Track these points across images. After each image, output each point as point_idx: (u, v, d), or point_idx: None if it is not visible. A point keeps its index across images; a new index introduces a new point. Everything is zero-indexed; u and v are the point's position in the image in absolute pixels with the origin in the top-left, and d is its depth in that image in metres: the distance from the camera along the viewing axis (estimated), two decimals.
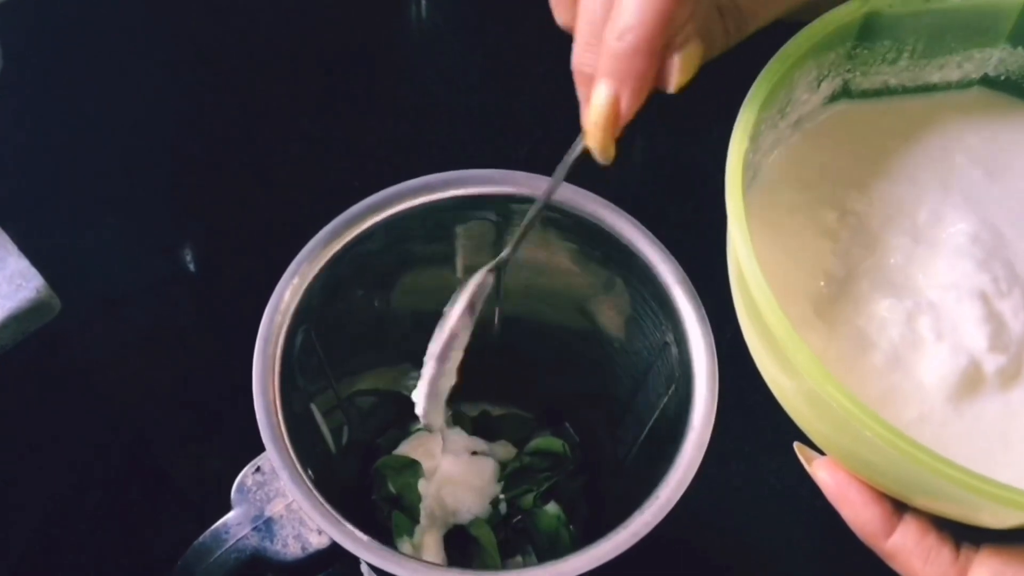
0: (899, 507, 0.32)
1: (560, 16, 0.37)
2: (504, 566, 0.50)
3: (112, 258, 0.66)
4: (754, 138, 0.33)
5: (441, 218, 0.45)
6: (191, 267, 0.68)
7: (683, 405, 0.41)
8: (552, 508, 0.52)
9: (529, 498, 0.51)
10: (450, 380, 0.41)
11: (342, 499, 0.38)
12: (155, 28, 0.75)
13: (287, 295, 0.41)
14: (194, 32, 0.76)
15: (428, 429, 0.43)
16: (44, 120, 0.70)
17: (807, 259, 0.35)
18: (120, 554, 0.57)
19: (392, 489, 0.51)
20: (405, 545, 0.50)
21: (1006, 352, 0.32)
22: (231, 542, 0.38)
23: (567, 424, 0.55)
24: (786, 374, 0.31)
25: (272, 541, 0.38)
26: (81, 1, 0.75)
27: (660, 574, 0.57)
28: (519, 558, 0.51)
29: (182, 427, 0.61)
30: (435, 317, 0.52)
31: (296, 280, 0.42)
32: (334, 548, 0.38)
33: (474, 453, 0.52)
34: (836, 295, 0.34)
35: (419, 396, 0.41)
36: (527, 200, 0.45)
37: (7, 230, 0.53)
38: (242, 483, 0.39)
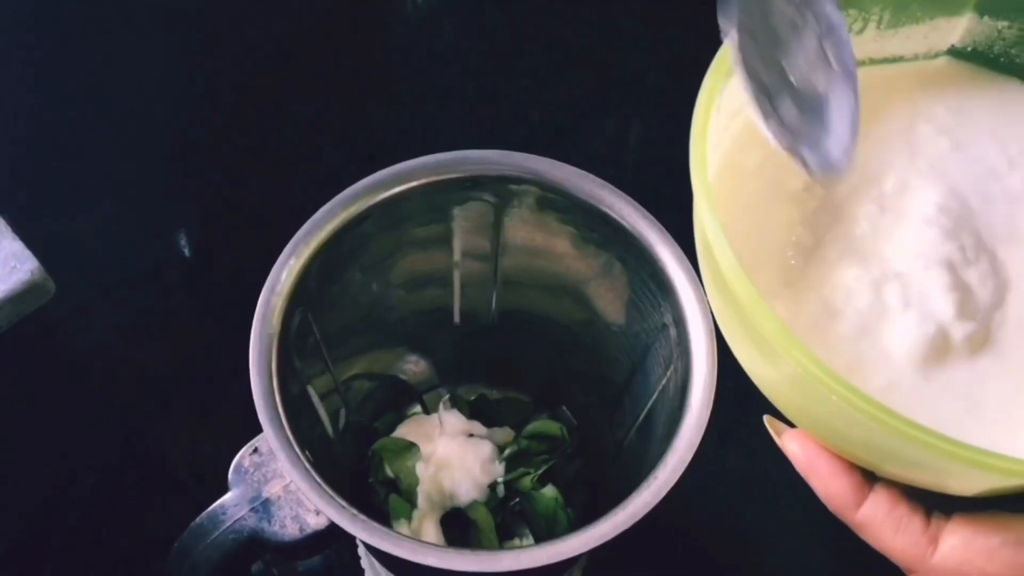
0: (869, 478, 0.32)
1: None
2: (502, 548, 0.50)
3: (107, 242, 0.66)
4: (721, 107, 0.33)
5: (438, 199, 0.45)
6: (186, 251, 0.67)
7: (681, 387, 0.41)
8: (550, 491, 0.52)
9: (527, 480, 0.51)
10: None
11: (339, 482, 0.38)
12: (150, 13, 0.75)
13: (284, 276, 0.41)
14: (189, 17, 0.75)
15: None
16: (39, 105, 0.70)
17: (773, 227, 0.34)
18: (116, 538, 0.57)
19: (389, 472, 0.51)
20: (403, 528, 0.50)
21: (974, 319, 0.32)
22: (228, 523, 0.38)
23: (565, 407, 0.55)
24: (754, 343, 0.31)
25: (270, 522, 0.38)
26: None
27: (657, 558, 0.57)
28: (517, 540, 0.51)
29: (178, 411, 0.61)
30: (431, 302, 0.52)
31: (292, 261, 0.41)
32: (332, 529, 0.38)
33: (470, 435, 0.52)
34: (803, 264, 0.34)
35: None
36: (524, 181, 0.44)
37: (1, 212, 0.53)
38: (239, 464, 0.39)
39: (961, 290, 0.33)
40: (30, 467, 0.59)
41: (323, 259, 0.43)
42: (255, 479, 0.39)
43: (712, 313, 0.41)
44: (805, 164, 0.31)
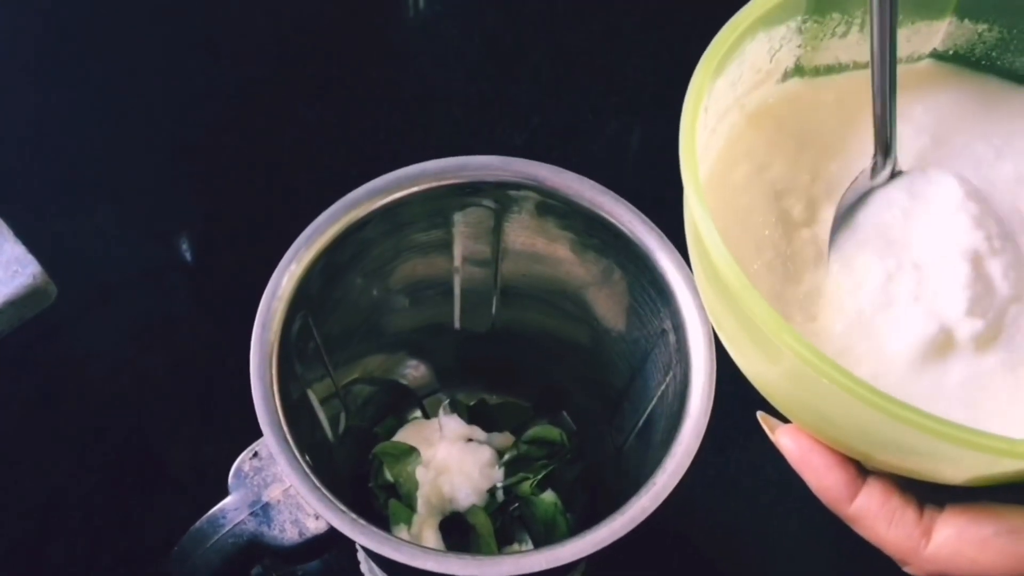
0: (862, 473, 0.32)
1: None
2: (501, 553, 0.50)
3: (108, 245, 0.66)
4: (708, 108, 0.33)
5: (439, 205, 0.45)
6: (187, 255, 0.68)
7: (680, 392, 0.41)
8: (549, 496, 0.52)
9: (526, 486, 0.51)
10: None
11: (339, 487, 0.38)
12: (152, 16, 0.75)
13: (285, 281, 0.41)
14: (192, 20, 0.75)
15: None
16: (41, 108, 0.70)
17: (758, 241, 0.34)
18: (116, 540, 0.57)
19: (389, 477, 0.52)
20: (402, 533, 0.50)
21: (985, 316, 0.32)
22: (228, 527, 0.38)
23: (564, 412, 0.55)
24: (744, 331, 0.31)
25: (269, 526, 0.38)
26: None
27: (656, 563, 0.57)
28: (516, 545, 0.52)
29: (177, 415, 0.61)
30: (432, 307, 0.52)
31: (294, 266, 0.41)
32: (331, 533, 0.38)
33: (469, 440, 0.52)
34: (787, 281, 0.34)
35: None
36: (524, 187, 0.45)
37: (3, 216, 0.53)
38: (240, 468, 0.39)
39: (980, 284, 0.32)
40: (31, 469, 0.59)
41: (324, 264, 0.43)
42: (255, 483, 0.39)
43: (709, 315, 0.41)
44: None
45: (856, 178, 0.35)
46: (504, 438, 0.53)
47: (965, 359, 0.32)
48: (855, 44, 0.37)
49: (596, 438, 0.54)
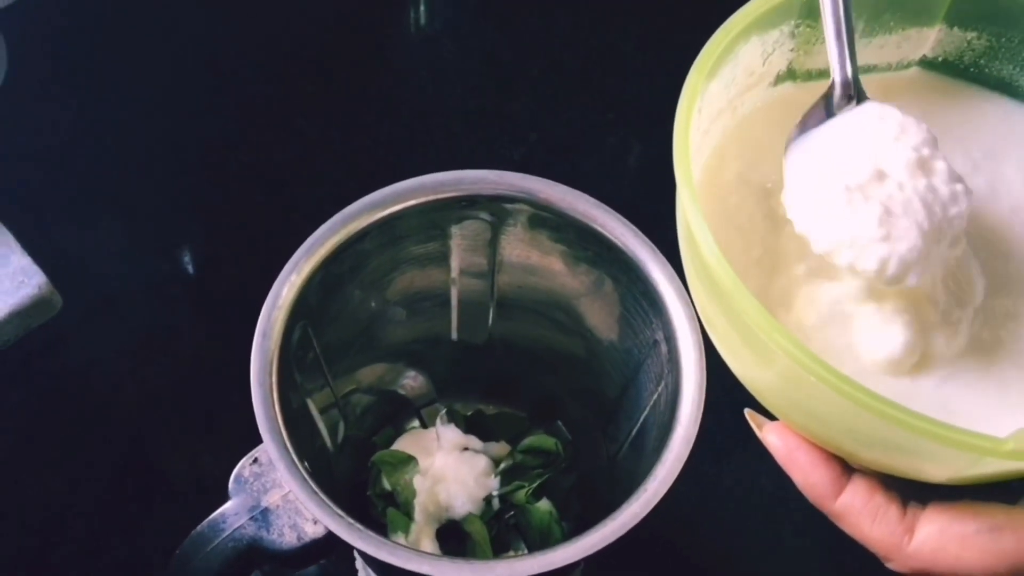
0: (848, 470, 0.32)
1: None
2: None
3: (112, 258, 0.67)
4: (702, 110, 0.34)
5: (436, 218, 0.46)
6: (189, 268, 0.68)
7: (672, 401, 0.42)
8: (544, 504, 0.53)
9: (521, 494, 0.52)
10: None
11: (337, 495, 0.39)
12: (156, 32, 0.76)
13: (285, 291, 0.42)
14: (195, 36, 0.77)
15: None
16: (46, 121, 0.71)
17: (747, 239, 0.35)
18: (117, 548, 0.58)
19: (387, 485, 0.52)
20: (400, 541, 0.51)
21: (954, 323, 0.33)
22: (228, 531, 0.39)
23: (559, 422, 0.56)
24: (732, 325, 0.31)
25: (269, 531, 0.39)
26: (84, 5, 0.76)
27: (653, 570, 0.58)
28: (512, 553, 0.52)
29: (178, 425, 0.62)
30: (429, 318, 0.53)
31: (294, 276, 0.42)
32: (329, 538, 0.39)
33: (466, 449, 0.53)
34: (774, 277, 0.35)
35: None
36: (519, 200, 0.46)
37: (10, 229, 0.54)
38: (240, 474, 0.40)
39: (944, 292, 0.33)
40: (34, 477, 0.59)
41: (323, 275, 0.44)
42: (255, 489, 0.40)
43: (701, 326, 0.42)
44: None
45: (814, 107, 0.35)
46: (500, 447, 0.54)
47: (940, 363, 0.33)
48: None
49: (590, 448, 0.54)
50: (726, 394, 0.60)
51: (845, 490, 0.32)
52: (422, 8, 0.79)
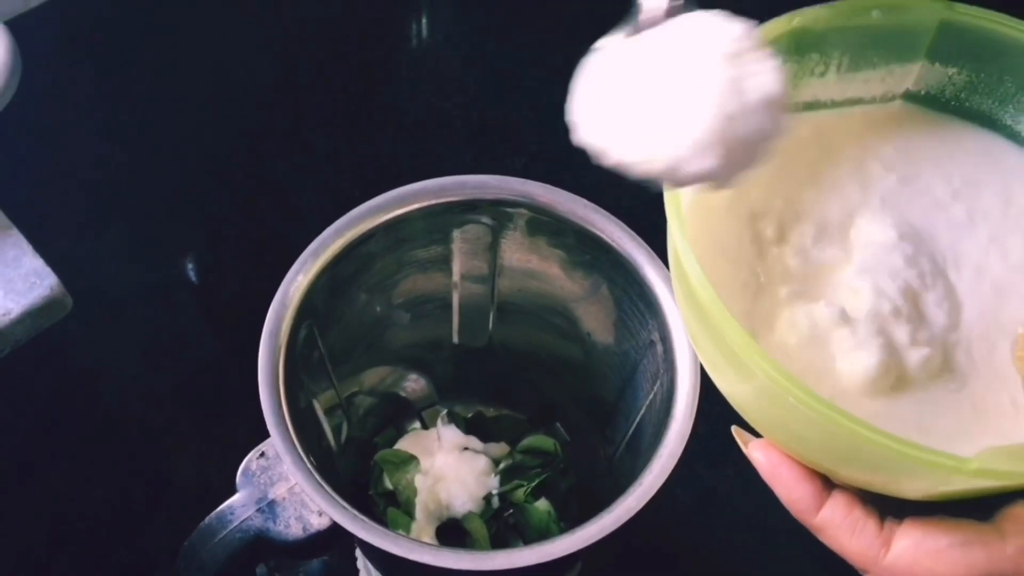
0: (828, 486, 0.34)
1: None
2: None
3: (119, 264, 0.68)
4: None
5: (438, 221, 0.47)
6: (195, 274, 0.70)
7: (667, 399, 0.43)
8: (543, 504, 0.53)
9: (520, 493, 0.53)
10: None
11: (340, 493, 0.39)
12: (166, 44, 0.78)
13: (292, 290, 0.43)
14: (204, 49, 0.78)
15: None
16: (57, 130, 0.72)
17: (734, 262, 0.36)
18: (122, 549, 0.59)
19: (389, 484, 0.53)
20: None
21: (929, 344, 0.34)
22: (236, 523, 0.40)
23: (558, 424, 0.57)
24: (717, 347, 0.33)
25: (275, 522, 0.40)
26: (96, 16, 0.77)
27: (649, 572, 0.59)
28: None
29: (183, 429, 0.63)
30: (431, 322, 0.54)
31: (300, 277, 0.44)
32: (334, 529, 0.40)
33: (466, 449, 0.54)
34: (759, 299, 0.36)
35: None
36: (519, 204, 0.47)
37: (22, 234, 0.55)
38: (247, 467, 0.41)
39: (916, 318, 0.35)
40: (41, 479, 0.61)
41: (329, 276, 0.45)
42: (261, 482, 0.41)
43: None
44: None
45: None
46: (500, 448, 0.55)
47: (915, 384, 0.34)
48: (833, 83, 0.39)
49: (588, 449, 0.55)
50: (721, 403, 0.62)
51: (825, 505, 0.33)
52: (425, 21, 0.81)
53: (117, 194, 0.71)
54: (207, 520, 0.40)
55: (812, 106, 0.39)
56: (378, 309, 0.51)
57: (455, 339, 0.55)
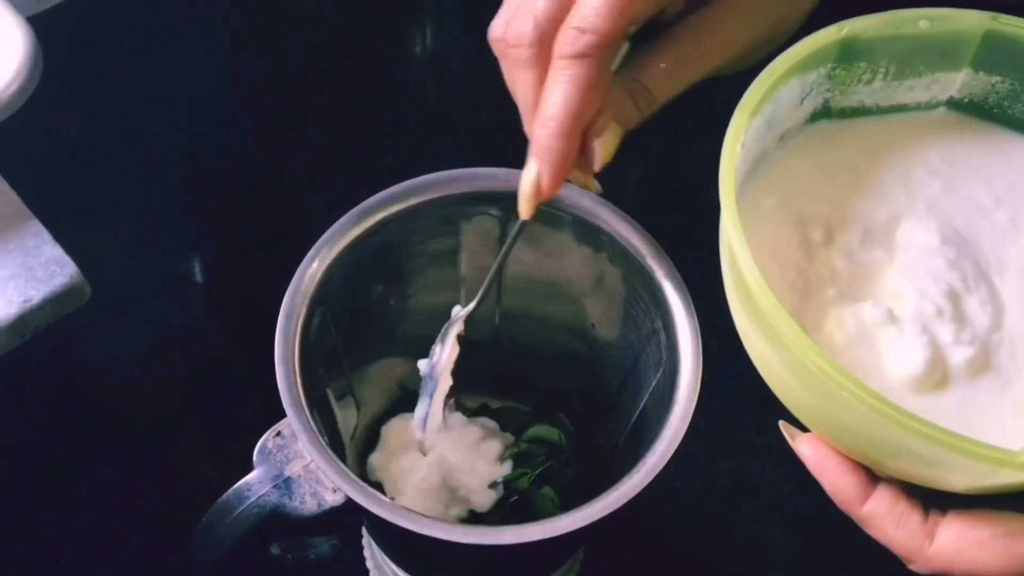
0: (873, 479, 0.36)
1: None
2: None
3: (129, 259, 0.70)
4: (744, 144, 0.37)
5: (448, 213, 0.49)
6: (203, 271, 0.71)
7: (669, 386, 0.44)
8: (547, 492, 0.55)
9: (524, 480, 0.54)
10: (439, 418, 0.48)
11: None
12: (178, 47, 0.79)
13: (306, 277, 0.45)
14: (214, 51, 0.79)
15: (423, 452, 0.48)
16: (70, 127, 0.74)
17: (783, 264, 0.38)
18: (131, 539, 0.60)
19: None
20: None
21: (972, 344, 0.36)
22: (253, 499, 0.41)
23: (562, 415, 0.58)
24: (772, 346, 0.34)
25: (291, 498, 0.41)
26: (113, 19, 0.79)
27: (651, 566, 0.60)
28: None
29: (191, 421, 0.65)
30: (440, 314, 0.56)
31: (315, 264, 0.45)
32: (347, 505, 0.41)
33: (476, 421, 0.55)
34: (807, 299, 0.38)
35: (418, 429, 0.47)
36: None
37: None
38: (264, 445, 0.42)
39: (959, 319, 0.36)
40: (52, 468, 0.62)
41: (342, 265, 0.46)
42: (278, 459, 0.42)
43: (704, 341, 0.44)
44: None
45: None
46: (505, 438, 0.56)
47: (959, 382, 0.36)
48: (879, 90, 0.41)
49: (592, 440, 0.56)
50: (722, 398, 0.64)
51: (871, 497, 0.35)
52: (431, 25, 0.82)
53: (126, 192, 0.72)
54: (225, 496, 0.42)
55: (859, 112, 0.42)
56: (390, 300, 0.53)
57: (462, 331, 0.56)
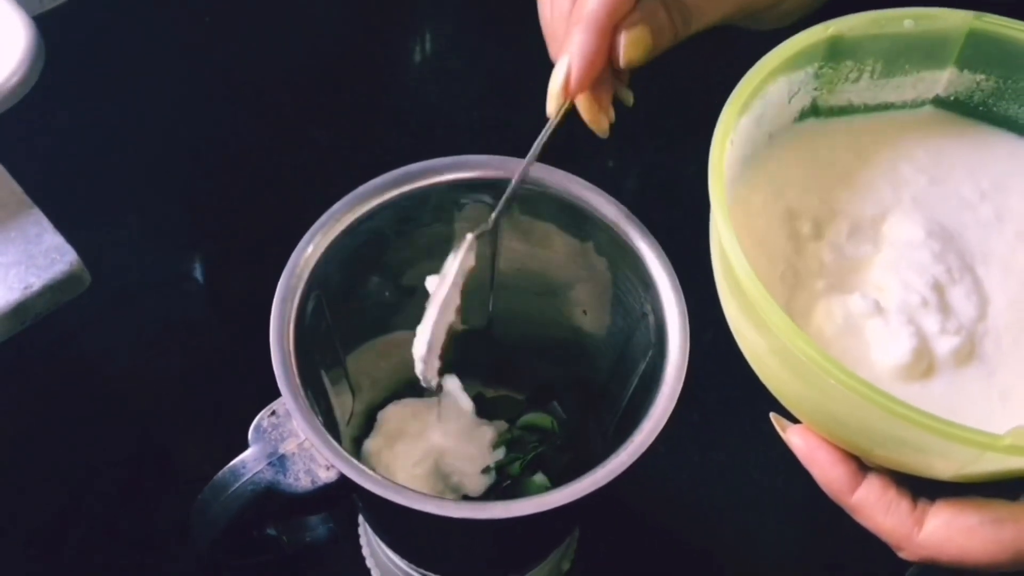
0: (863, 468, 0.36)
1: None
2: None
3: (129, 254, 0.71)
4: (734, 141, 0.38)
5: (442, 200, 0.50)
6: (203, 267, 0.72)
7: (657, 367, 0.45)
8: (540, 478, 0.55)
9: (515, 465, 0.54)
10: (442, 337, 0.46)
11: None
12: (179, 45, 0.80)
13: (301, 261, 0.46)
14: (215, 49, 0.81)
15: (426, 384, 0.47)
16: (73, 123, 0.75)
17: (772, 257, 0.39)
18: (131, 526, 0.61)
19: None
20: None
21: (958, 334, 0.37)
22: (248, 476, 0.42)
23: (555, 403, 0.59)
24: (761, 336, 0.35)
25: (285, 475, 0.42)
26: (114, 16, 0.80)
27: (645, 555, 0.61)
28: None
29: (190, 412, 0.65)
30: None
31: (310, 248, 0.46)
32: (341, 482, 0.42)
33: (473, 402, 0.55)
34: (796, 292, 0.38)
35: (418, 353, 0.45)
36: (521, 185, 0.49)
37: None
38: (259, 424, 0.43)
39: (944, 309, 0.37)
40: (53, 458, 0.63)
41: (337, 250, 0.47)
42: (272, 438, 0.43)
43: (694, 337, 0.45)
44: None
45: None
46: (499, 425, 0.57)
47: (946, 371, 0.36)
48: (866, 88, 0.42)
49: (584, 427, 0.57)
50: (715, 389, 0.64)
51: (861, 486, 0.36)
52: (429, 25, 0.83)
53: (131, 186, 0.73)
54: (220, 473, 0.42)
55: (846, 110, 0.42)
56: (382, 287, 0.53)
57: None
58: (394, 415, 0.55)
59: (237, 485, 0.42)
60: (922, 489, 0.36)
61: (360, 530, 0.56)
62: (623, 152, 0.78)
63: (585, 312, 0.53)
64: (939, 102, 0.43)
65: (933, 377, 0.36)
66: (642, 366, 0.48)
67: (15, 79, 0.49)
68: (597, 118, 0.42)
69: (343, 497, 0.43)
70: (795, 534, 0.64)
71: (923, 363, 0.36)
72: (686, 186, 0.75)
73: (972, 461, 0.32)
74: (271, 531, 0.50)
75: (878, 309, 0.37)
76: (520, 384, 0.60)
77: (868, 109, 0.43)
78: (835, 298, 0.38)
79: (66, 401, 0.64)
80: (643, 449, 0.41)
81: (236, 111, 0.78)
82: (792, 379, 0.35)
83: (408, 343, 0.58)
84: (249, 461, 0.42)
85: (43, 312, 0.52)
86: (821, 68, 0.40)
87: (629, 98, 0.44)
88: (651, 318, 0.47)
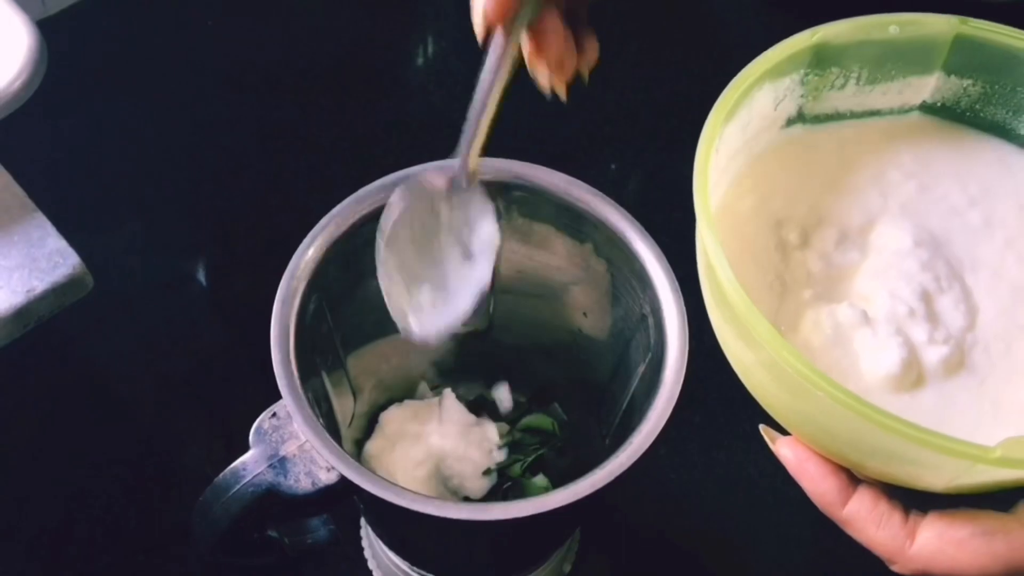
0: (854, 481, 0.36)
1: None
2: None
3: (132, 258, 0.71)
4: (720, 149, 0.37)
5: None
6: (205, 270, 0.72)
7: (657, 369, 0.45)
8: (541, 480, 0.55)
9: (517, 467, 0.55)
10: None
11: None
12: (182, 50, 0.81)
13: (302, 263, 0.46)
14: (217, 54, 0.81)
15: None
16: (76, 127, 0.75)
17: (760, 266, 0.39)
18: (134, 526, 0.61)
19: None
20: None
21: (947, 343, 0.37)
22: (248, 478, 0.42)
23: (556, 405, 0.59)
24: (748, 348, 0.34)
25: (286, 477, 0.42)
26: (119, 22, 0.80)
27: (646, 556, 0.61)
28: None
29: (193, 412, 0.66)
30: None
31: (311, 251, 0.46)
32: (341, 484, 0.42)
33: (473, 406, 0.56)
34: (784, 301, 0.38)
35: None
36: (520, 187, 0.49)
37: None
38: (260, 426, 0.43)
39: (932, 319, 0.37)
40: (58, 459, 0.63)
41: (337, 252, 0.47)
42: (273, 440, 0.43)
43: (695, 338, 0.45)
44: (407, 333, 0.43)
45: None
46: (500, 427, 0.57)
47: (935, 381, 0.36)
48: (852, 95, 0.41)
49: (585, 429, 0.57)
50: (715, 391, 0.64)
51: (852, 498, 0.35)
52: (430, 28, 0.84)
53: (131, 192, 0.74)
54: (221, 475, 0.43)
55: (833, 117, 0.42)
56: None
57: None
58: (395, 417, 0.56)
59: (238, 487, 0.42)
60: (914, 502, 0.36)
61: (362, 532, 0.57)
62: (625, 155, 0.78)
63: (585, 314, 0.53)
64: (926, 108, 0.42)
65: (923, 387, 0.36)
66: (642, 368, 0.48)
67: (18, 83, 0.49)
68: (482, 35, 0.43)
69: (344, 499, 0.43)
70: (795, 535, 0.64)
71: (912, 374, 0.36)
72: (687, 189, 0.76)
73: (963, 473, 0.32)
74: (272, 533, 0.50)
75: (866, 319, 0.37)
76: (521, 386, 0.60)
77: (855, 116, 0.42)
78: (823, 308, 0.37)
79: (69, 403, 0.65)
80: (643, 450, 0.42)
81: (238, 115, 0.78)
82: (780, 392, 0.34)
83: (408, 344, 0.58)
84: (250, 463, 0.42)
85: (46, 315, 0.52)
86: (807, 75, 0.40)
87: (585, 75, 0.45)
88: (651, 320, 0.47)
